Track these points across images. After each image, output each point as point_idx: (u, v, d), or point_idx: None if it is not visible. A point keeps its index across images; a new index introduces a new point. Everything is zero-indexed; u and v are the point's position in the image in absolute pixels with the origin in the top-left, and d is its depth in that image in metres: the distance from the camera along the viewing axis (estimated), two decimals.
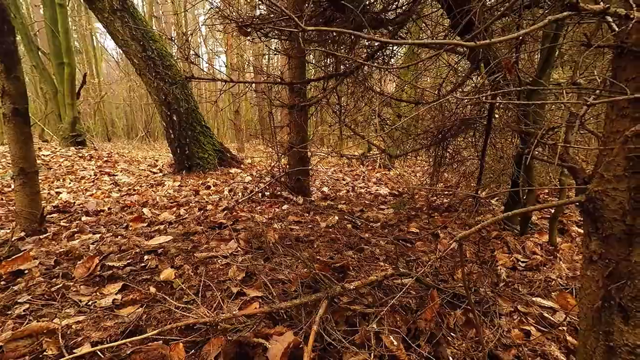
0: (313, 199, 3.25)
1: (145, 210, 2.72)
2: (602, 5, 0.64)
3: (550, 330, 1.19)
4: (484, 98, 2.09)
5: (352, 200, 3.27)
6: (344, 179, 4.69)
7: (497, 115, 2.59)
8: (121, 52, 5.10)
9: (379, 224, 2.41)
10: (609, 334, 0.69)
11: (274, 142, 3.56)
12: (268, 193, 3.24)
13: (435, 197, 3.25)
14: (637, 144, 0.68)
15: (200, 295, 1.31)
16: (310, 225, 2.27)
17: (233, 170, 4.91)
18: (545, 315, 1.27)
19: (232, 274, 1.48)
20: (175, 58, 4.93)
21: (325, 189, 3.95)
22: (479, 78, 2.55)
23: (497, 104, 2.38)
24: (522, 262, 1.72)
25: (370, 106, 3.57)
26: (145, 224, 2.28)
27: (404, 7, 2.77)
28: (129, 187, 3.91)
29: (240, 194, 3.39)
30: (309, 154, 3.42)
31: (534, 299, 1.38)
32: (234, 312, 1.08)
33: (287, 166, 3.31)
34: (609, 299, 0.70)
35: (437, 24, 3.09)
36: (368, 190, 3.93)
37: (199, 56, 3.35)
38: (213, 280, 1.42)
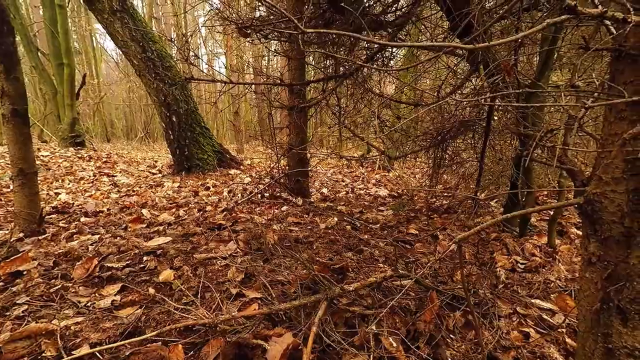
0: (312, 200, 3.25)
1: (144, 211, 2.71)
2: (600, 9, 0.65)
3: (549, 332, 1.19)
4: (483, 100, 2.10)
5: (351, 202, 3.27)
6: (343, 181, 4.69)
7: (496, 117, 2.60)
8: (121, 53, 5.11)
9: (378, 225, 2.41)
10: (607, 336, 0.69)
11: (274, 143, 3.56)
12: (267, 194, 3.24)
13: (434, 199, 3.25)
14: (635, 146, 0.68)
15: (199, 296, 1.31)
16: (309, 227, 2.27)
17: (232, 172, 4.90)
18: (545, 317, 1.27)
19: (231, 275, 1.47)
20: (175, 59, 4.93)
21: (324, 190, 3.95)
22: (478, 80, 2.56)
23: (496, 106, 2.39)
24: (521, 263, 1.72)
25: (369, 108, 3.57)
26: (144, 225, 2.28)
27: (403, 10, 2.78)
28: (128, 188, 3.91)
29: (239, 195, 3.39)
30: (309, 155, 3.42)
31: (533, 300, 1.38)
32: (233, 314, 1.08)
33: (287, 167, 3.32)
34: (607, 301, 0.70)
35: (437, 26, 3.10)
36: (367, 191, 3.94)
37: (198, 57, 3.35)
38: (212, 282, 1.41)
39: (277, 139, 3.66)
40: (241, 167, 5.33)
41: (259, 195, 3.22)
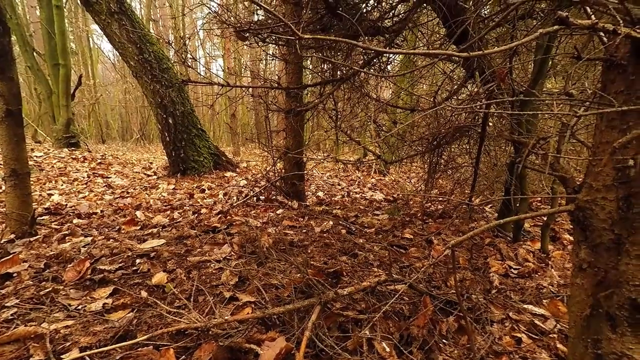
0: (308, 203, 3.24)
1: (138, 213, 2.69)
2: (591, 21, 0.66)
3: (541, 337, 1.20)
4: (477, 107, 2.12)
5: (347, 206, 3.27)
6: (339, 184, 4.70)
7: (491, 124, 2.63)
8: (118, 54, 5.09)
9: (373, 229, 2.41)
10: (597, 342, 0.70)
11: (270, 146, 3.57)
12: (263, 197, 3.23)
13: (429, 204, 3.26)
14: (624, 154, 0.70)
15: (192, 300, 1.30)
16: (304, 230, 2.27)
17: (228, 174, 4.89)
18: (537, 322, 1.28)
19: (225, 279, 1.47)
20: (172, 61, 4.93)
21: (320, 193, 3.95)
22: (474, 86, 2.58)
23: (491, 112, 2.41)
24: (515, 269, 1.73)
25: (366, 112, 3.59)
26: (138, 227, 2.26)
27: (400, 16, 2.80)
28: (123, 190, 3.88)
29: (235, 197, 3.38)
30: (305, 158, 3.43)
31: (525, 306, 1.39)
32: (226, 317, 1.07)
33: (283, 170, 3.31)
34: (597, 307, 0.70)
35: (433, 33, 3.13)
36: (363, 195, 3.94)
37: (196, 60, 3.36)
38: (206, 285, 1.41)
39: (273, 142, 3.66)
40: (237, 169, 5.32)
41: (255, 198, 3.21)
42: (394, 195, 3.95)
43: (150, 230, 2.18)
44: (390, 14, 2.74)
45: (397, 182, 5.04)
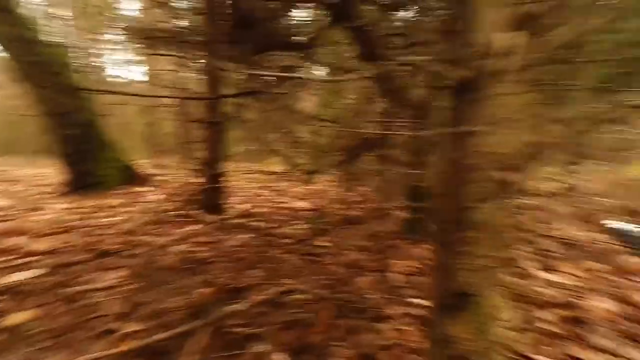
0: (228, 216, 3.13)
1: (17, 239, 2.28)
2: (412, 59, 0.77)
3: (428, 328, 1.32)
4: (380, 121, 2.31)
5: (268, 217, 3.24)
6: (261, 195, 4.64)
7: (399, 134, 2.87)
8: (4, 55, 4.33)
9: (291, 239, 2.42)
10: (442, 327, 0.79)
11: (189, 158, 3.38)
12: (178, 213, 3.02)
13: (348, 211, 3.42)
14: (460, 168, 0.81)
15: (65, 336, 1.13)
16: (218, 246, 2.17)
17: (140, 189, 4.47)
18: (426, 314, 1.40)
19: (112, 308, 1.32)
20: (74, 65, 4.39)
21: (241, 205, 3.84)
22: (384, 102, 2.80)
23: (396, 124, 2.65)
24: (413, 267, 1.89)
25: (287, 123, 3.64)
26: (11, 257, 1.91)
27: (311, 34, 2.93)
28: (3, 213, 3.26)
29: (144, 214, 3.10)
30: (225, 170, 3.32)
31: (418, 300, 1.52)
32: (99, 354, 0.96)
33: (202, 183, 3.16)
34: (441, 296, 0.81)
35: (347, 50, 3.33)
36: (286, 205, 3.96)
37: (102, 64, 3.05)
38: (85, 317, 1.24)
39: (192, 154, 3.48)
40: (151, 183, 4.89)
41: (169, 214, 2.99)
42: (316, 205, 4.04)
43: (28, 259, 1.86)
44: (301, 30, 2.83)
45: (321, 191, 5.18)
